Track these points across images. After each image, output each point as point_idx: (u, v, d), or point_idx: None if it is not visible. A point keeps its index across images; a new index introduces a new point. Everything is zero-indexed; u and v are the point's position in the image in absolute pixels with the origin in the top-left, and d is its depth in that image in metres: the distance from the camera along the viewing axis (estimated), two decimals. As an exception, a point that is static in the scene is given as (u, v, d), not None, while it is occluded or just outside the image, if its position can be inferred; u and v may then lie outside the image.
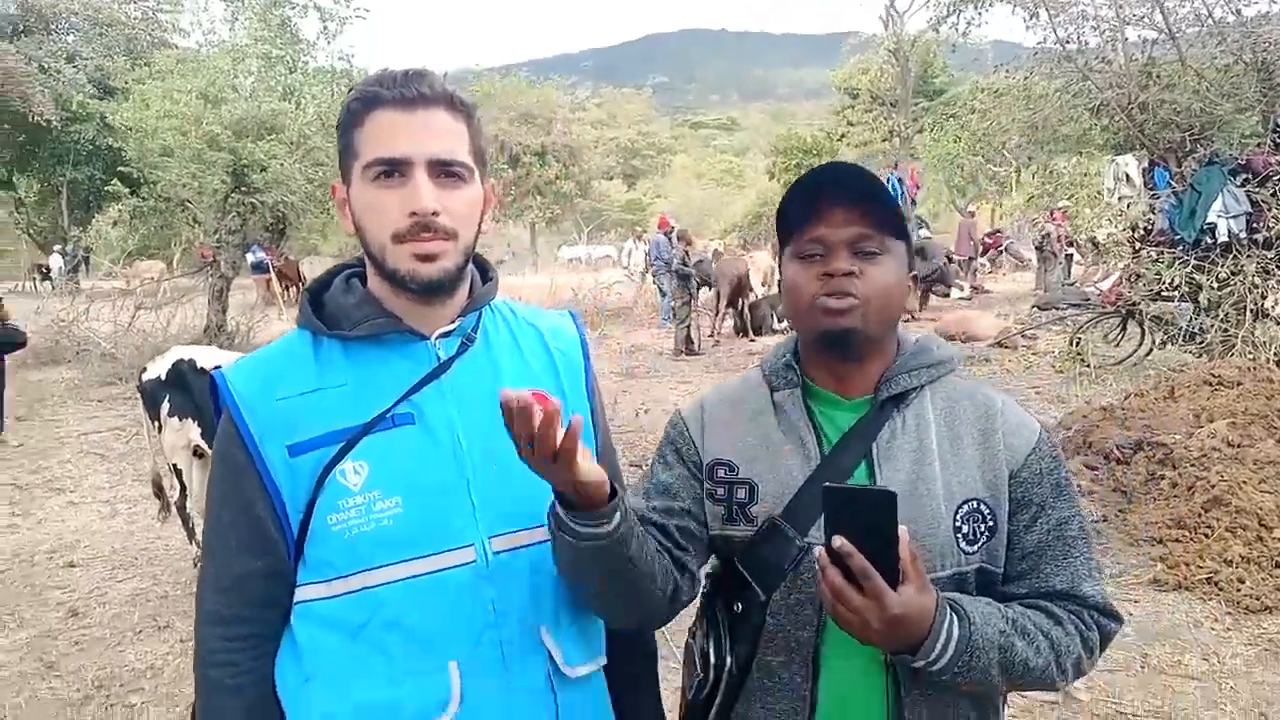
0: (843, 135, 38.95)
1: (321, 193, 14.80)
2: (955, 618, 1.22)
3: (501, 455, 1.39)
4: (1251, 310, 8.83)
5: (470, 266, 1.44)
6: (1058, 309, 14.35)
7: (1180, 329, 9.53)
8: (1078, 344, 10.63)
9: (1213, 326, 9.01)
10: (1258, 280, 8.85)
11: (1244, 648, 4.15)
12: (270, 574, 1.36)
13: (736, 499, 1.43)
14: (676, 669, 1.67)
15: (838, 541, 1.14)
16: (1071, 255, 19.85)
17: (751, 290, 15.85)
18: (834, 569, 1.15)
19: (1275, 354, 8.28)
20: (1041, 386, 9.81)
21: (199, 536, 5.46)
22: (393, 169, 1.30)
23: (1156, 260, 9.56)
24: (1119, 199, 10.37)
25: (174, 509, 5.47)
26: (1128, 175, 10.32)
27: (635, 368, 12.87)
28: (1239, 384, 6.93)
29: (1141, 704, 3.71)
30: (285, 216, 15.36)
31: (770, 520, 1.38)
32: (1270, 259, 8.90)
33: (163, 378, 5.32)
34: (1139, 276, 9.74)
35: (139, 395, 5.49)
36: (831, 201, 1.35)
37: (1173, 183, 9.84)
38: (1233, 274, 8.94)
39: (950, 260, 18.35)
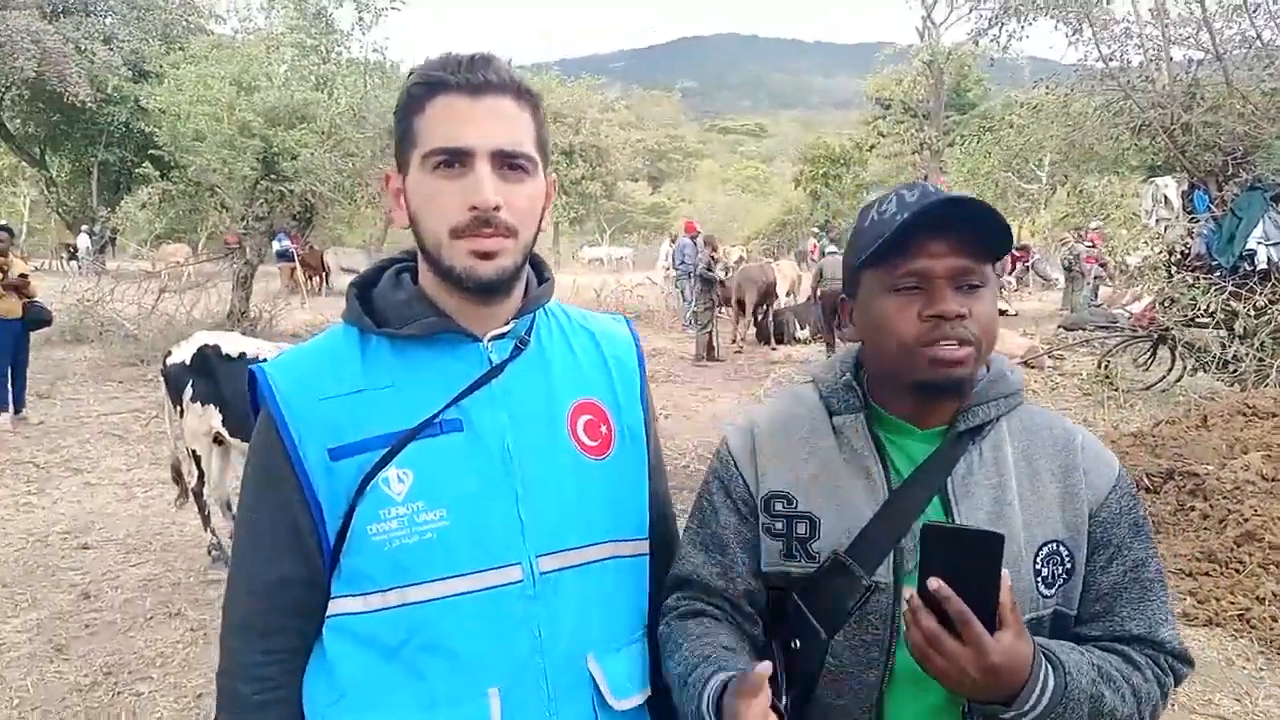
0: (873, 146, 38.80)
1: (350, 183, 14.85)
2: (1050, 667, 1.14)
3: (553, 466, 1.33)
4: (1288, 339, 8.66)
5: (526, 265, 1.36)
6: (1085, 330, 14.16)
7: (1213, 356, 9.34)
8: (1106, 367, 10.46)
9: (1247, 355, 8.83)
10: (1295, 309, 8.68)
11: (1278, 689, 4.02)
12: (306, 581, 1.28)
13: (796, 534, 1.33)
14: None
15: (934, 584, 1.07)
16: (1100, 276, 19.63)
17: (776, 298, 15.76)
18: (927, 613, 1.08)
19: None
20: (1068, 409, 9.65)
21: (214, 524, 5.43)
22: (454, 159, 1.22)
23: (1192, 285, 9.38)
24: (1156, 221, 10.20)
25: (192, 494, 5.44)
26: (1166, 197, 10.16)
27: (656, 372, 12.80)
28: (1274, 415, 6.78)
29: (1172, 744, 3.60)
30: (313, 205, 15.42)
31: (835, 557, 1.28)
32: (1310, 289, 8.72)
33: (187, 362, 5.29)
34: (1173, 301, 9.57)
35: (162, 379, 5.46)
36: (931, 229, 1.23)
37: (1212, 207, 9.67)
38: (1270, 302, 8.76)
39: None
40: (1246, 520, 5.25)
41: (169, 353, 5.51)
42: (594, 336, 1.49)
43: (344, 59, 15.99)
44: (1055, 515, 1.28)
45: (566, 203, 39.82)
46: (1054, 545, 1.27)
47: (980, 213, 1.22)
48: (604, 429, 1.40)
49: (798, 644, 1.32)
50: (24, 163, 32.01)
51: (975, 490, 1.27)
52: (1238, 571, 5.00)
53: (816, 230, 27.90)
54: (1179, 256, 10.05)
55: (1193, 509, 5.70)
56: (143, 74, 22.64)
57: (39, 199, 33.75)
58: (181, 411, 5.31)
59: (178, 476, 5.61)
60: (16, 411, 9.08)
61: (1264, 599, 4.74)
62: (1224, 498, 5.61)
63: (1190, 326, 9.64)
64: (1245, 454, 6.12)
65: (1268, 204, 9.02)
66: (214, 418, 5.20)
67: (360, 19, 15.97)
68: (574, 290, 18.83)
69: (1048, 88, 12.77)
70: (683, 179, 73.24)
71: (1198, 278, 9.48)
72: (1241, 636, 4.52)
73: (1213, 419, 6.97)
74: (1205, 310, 9.18)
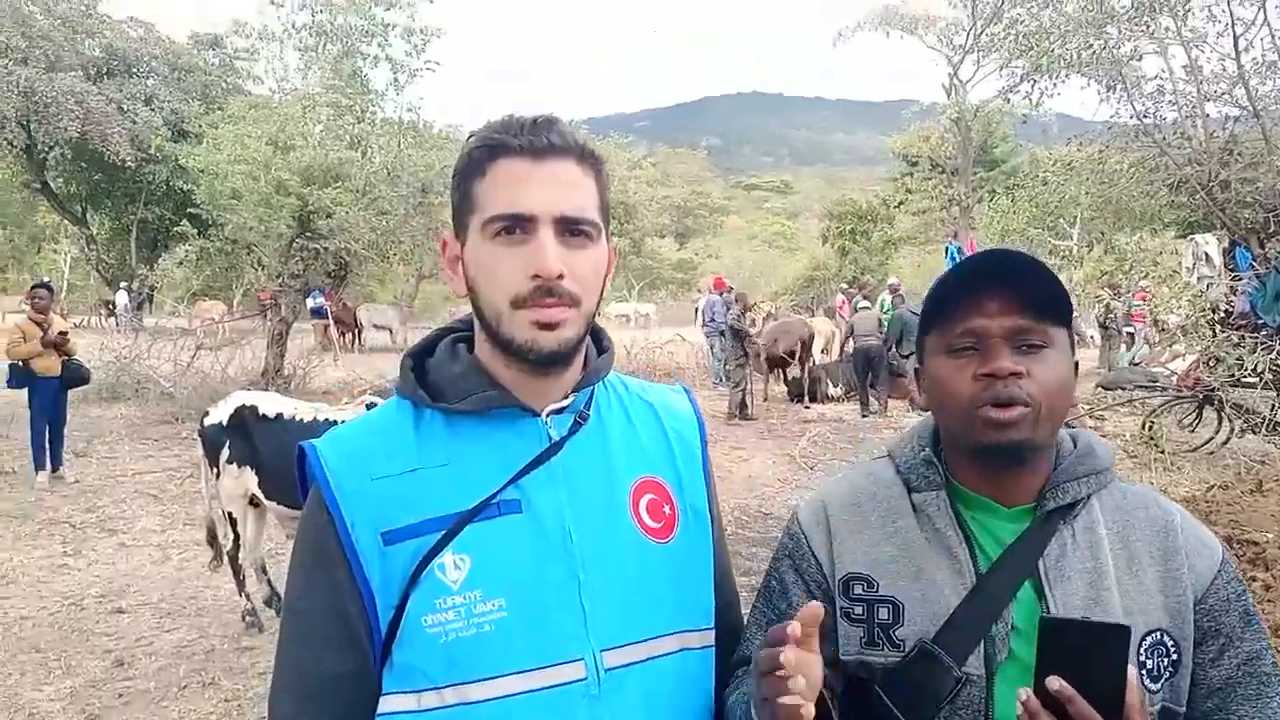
0: (900, 202, 38.90)
1: (383, 240, 15.01)
2: None
3: (615, 550, 1.24)
4: (1340, 400, 8.42)
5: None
6: (1124, 389, 13.91)
7: (1263, 417, 9.10)
8: (1151, 428, 10.22)
9: (1298, 416, 8.60)
10: (1346, 369, 8.46)
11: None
12: (357, 678, 1.18)
13: (878, 619, 1.25)
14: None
15: (1055, 684, 0.97)
16: (1134, 334, 19.37)
17: (811, 355, 15.64)
18: (1049, 715, 0.98)
19: (1366, 447, 7.86)
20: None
21: (249, 589, 5.36)
22: (516, 225, 1.16)
23: (1238, 344, 9.19)
24: (1198, 279, 10.05)
25: (226, 558, 5.38)
26: (1207, 255, 10.02)
27: (703, 414, 12.67)
28: (1331, 479, 6.57)
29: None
30: (347, 263, 15.58)
31: (923, 646, 1.20)
32: (1358, 347, 8.51)
33: (224, 423, 5.25)
34: (1219, 360, 9.36)
35: (199, 439, 5.43)
36: (987, 288, 1.19)
37: (1255, 264, 9.51)
38: (1319, 362, 8.55)
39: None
40: (1312, 591, 5.04)
41: (206, 413, 5.47)
42: (654, 409, 1.41)
43: (378, 119, 16.30)
44: (1157, 602, 1.19)
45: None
46: (1158, 635, 1.18)
47: (1030, 268, 1.18)
48: (667, 509, 1.32)
49: None
50: (66, 221, 32.77)
51: (1070, 574, 1.19)
52: (1306, 646, 4.79)
53: (845, 286, 27.87)
54: (1222, 315, 9.87)
55: (1254, 579, 5.48)
56: (182, 133, 23.23)
57: (79, 256, 34.45)
58: (218, 473, 5.27)
59: (213, 539, 5.55)
60: (54, 470, 9.13)
61: (1336, 676, 4.53)
62: (1287, 567, 5.40)
63: (1237, 386, 9.42)
64: (1305, 520, 5.92)
65: (1313, 261, 8.87)
66: (250, 480, 5.16)
67: (395, 80, 16.32)
68: (604, 347, 18.74)
69: (1080, 145, 12.74)
70: (709, 235, 73.75)
71: (1243, 336, 9.28)
72: (1317, 717, 4.30)
73: (1268, 484, 6.75)
74: (1252, 370, 8.96)
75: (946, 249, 21.57)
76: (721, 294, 16.45)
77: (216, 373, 14.01)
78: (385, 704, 1.18)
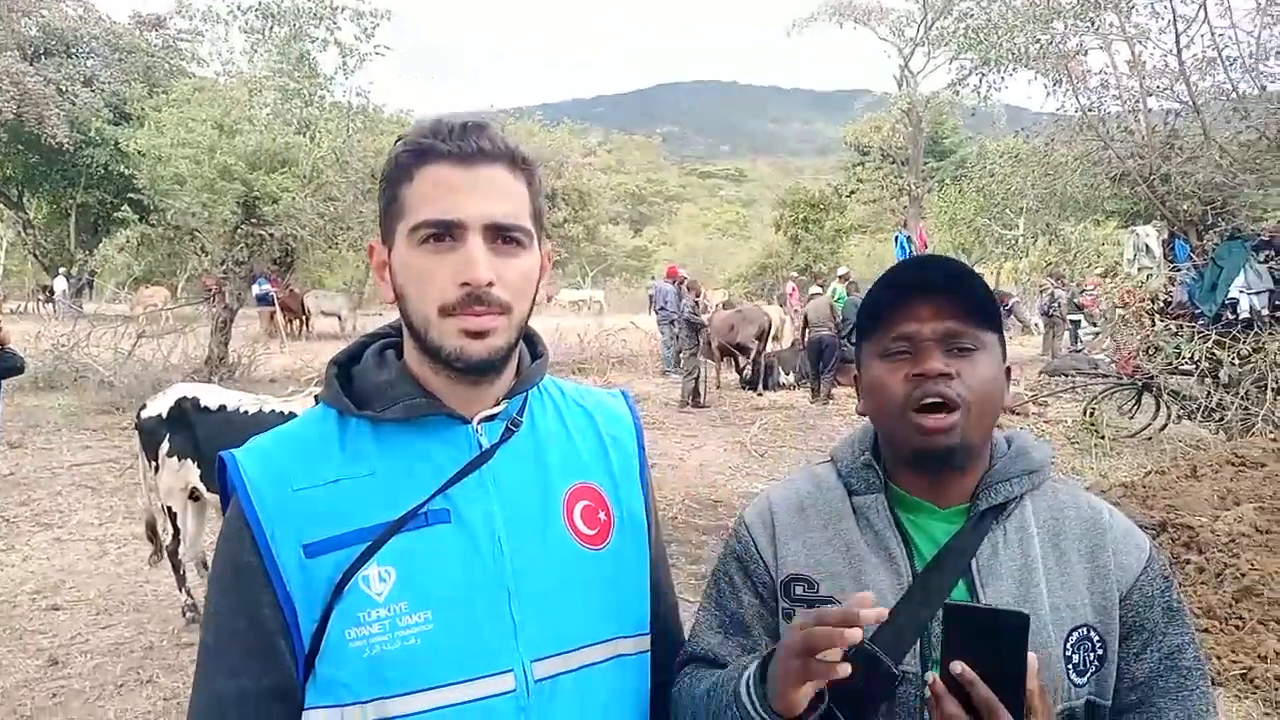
0: (852, 192, 39.26)
1: (331, 227, 14.78)
2: None
3: (547, 559, 1.23)
4: (1273, 388, 8.67)
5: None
6: (1067, 376, 14.20)
7: (1198, 404, 9.35)
8: (1092, 414, 10.45)
9: (1232, 404, 8.85)
10: (1279, 358, 8.71)
11: (1287, 753, 3.93)
12: (278, 694, 1.15)
13: None
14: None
15: (957, 668, 1.01)
16: (1079, 321, 19.78)
17: (767, 341, 15.73)
18: (951, 699, 1.02)
19: (1297, 434, 8.10)
20: (1054, 458, 9.62)
21: (189, 584, 5.25)
22: (444, 232, 1.14)
23: (1176, 333, 9.43)
24: (1139, 269, 10.28)
25: (166, 553, 5.27)
26: (1147, 246, 10.25)
27: (640, 418, 12.67)
28: (1263, 465, 6.77)
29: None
30: (293, 249, 15.32)
31: (860, 646, 1.20)
32: (1292, 337, 8.77)
33: (164, 415, 5.13)
34: (1157, 349, 9.60)
35: (137, 432, 5.30)
36: (917, 294, 1.23)
37: (1193, 256, 9.75)
38: (1254, 350, 8.80)
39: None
40: (1244, 575, 5.19)
41: (144, 405, 5.34)
42: (591, 415, 1.40)
43: (327, 103, 16.01)
44: (1084, 599, 1.23)
45: (549, 246, 39.91)
46: (1084, 630, 1.21)
47: (959, 275, 1.21)
48: (602, 515, 1.31)
49: None
50: (1, 204, 31.79)
51: (1001, 572, 1.22)
52: (1237, 628, 4.93)
53: (795, 275, 28.06)
54: (1161, 304, 10.11)
55: (1188, 562, 5.64)
56: (124, 116, 22.60)
57: (16, 241, 33.43)
58: (157, 467, 5.15)
59: (153, 534, 5.42)
60: (-14, 461, 8.87)
61: (1266, 657, 4.66)
62: (1219, 551, 5.55)
63: (1175, 374, 9.67)
64: (1237, 505, 6.09)
65: (1248, 253, 9.11)
66: (191, 473, 5.05)
67: (344, 64, 16.02)
68: (557, 334, 18.72)
69: (1027, 137, 12.94)
70: (663, 222, 73.76)
71: (1180, 326, 9.53)
72: (1246, 697, 4.44)
73: (1202, 469, 6.94)
74: (1189, 358, 9.21)
75: (896, 238, 21.82)
76: (674, 282, 16.47)
77: (159, 361, 13.68)
78: (308, 718, 1.16)
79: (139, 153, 15.01)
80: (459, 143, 1.15)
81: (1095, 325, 18.16)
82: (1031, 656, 1.02)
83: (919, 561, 1.25)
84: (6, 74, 21.77)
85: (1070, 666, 1.20)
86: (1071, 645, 1.20)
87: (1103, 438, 9.83)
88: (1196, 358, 9.17)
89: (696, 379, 14.13)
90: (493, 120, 1.22)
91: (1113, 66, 10.96)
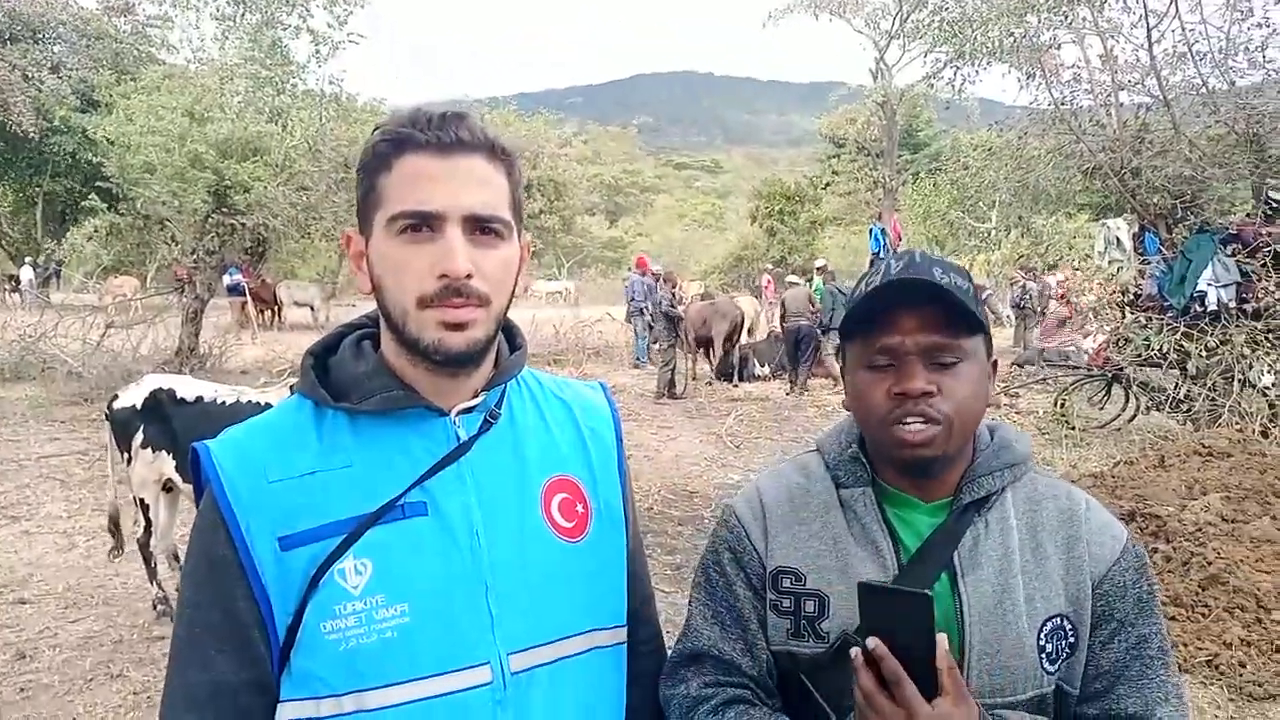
0: (827, 184, 39.38)
1: (304, 216, 14.62)
2: None
3: (524, 552, 1.23)
4: (1239, 380, 8.80)
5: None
6: (1035, 366, 14.35)
7: (1167, 395, 9.48)
8: (1062, 406, 10.57)
9: (1200, 395, 8.97)
10: (1246, 350, 8.84)
11: (1250, 738, 4.00)
12: (252, 687, 1.15)
13: (805, 612, 1.29)
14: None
15: (872, 643, 1.07)
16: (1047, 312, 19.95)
17: (740, 334, 15.76)
18: (867, 671, 1.07)
19: (1262, 425, 8.24)
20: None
21: (160, 577, 5.19)
22: (423, 223, 1.13)
23: (1145, 326, 9.54)
24: (1109, 262, 10.39)
25: (137, 545, 5.19)
26: (1118, 239, 10.36)
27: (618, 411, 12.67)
28: (1229, 455, 6.88)
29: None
30: (265, 239, 15.16)
31: (844, 637, 1.24)
32: (1259, 329, 8.90)
33: (138, 406, 5.06)
34: (1127, 341, 9.71)
35: (108, 423, 5.22)
36: (903, 305, 1.23)
37: (1163, 249, 9.87)
38: (1221, 343, 8.92)
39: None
40: (1210, 563, 5.27)
41: (116, 396, 5.27)
42: (569, 407, 1.40)
43: (299, 91, 15.83)
44: (1059, 589, 1.25)
45: (528, 238, 39.71)
46: (1058, 620, 1.24)
47: (943, 283, 1.20)
48: (580, 508, 1.31)
49: None
50: (-35, 193, 31.21)
51: (982, 563, 1.24)
52: (1204, 616, 5.01)
53: (770, 267, 28.11)
54: (1131, 297, 10.23)
55: (1155, 550, 5.72)
56: (92, 103, 22.23)
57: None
58: (129, 458, 5.08)
59: (115, 527, 5.32)
60: (-49, 454, 8.73)
61: (1231, 644, 4.74)
62: (1186, 540, 5.63)
63: (1144, 366, 9.79)
64: (1205, 494, 6.18)
65: (1216, 247, 9.23)
66: (166, 464, 4.98)
67: (317, 51, 15.85)
68: (533, 325, 18.67)
69: (1000, 130, 13.03)
70: (639, 214, 73.66)
71: (1150, 318, 9.64)
72: (1211, 684, 4.51)
73: (1170, 459, 7.04)
74: (1158, 350, 9.32)
75: (871, 230, 21.90)
76: (644, 274, 16.44)
77: (128, 352, 13.49)
78: (283, 711, 1.16)
79: (108, 140, 14.77)
80: (437, 132, 1.14)
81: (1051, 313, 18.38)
82: (941, 636, 1.05)
83: (904, 555, 1.27)
84: (-30, 59, 21.37)
85: (1043, 655, 1.22)
86: (1045, 635, 1.23)
87: (1073, 428, 9.96)
88: (1165, 349, 9.29)
89: (673, 370, 14.14)
90: (469, 110, 1.21)
91: (1085, 60, 11.07)
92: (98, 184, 15.91)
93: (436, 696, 1.14)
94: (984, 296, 19.60)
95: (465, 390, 1.24)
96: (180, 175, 13.31)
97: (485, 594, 1.18)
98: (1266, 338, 8.91)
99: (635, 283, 16.93)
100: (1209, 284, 9.15)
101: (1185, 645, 4.82)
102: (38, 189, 28.50)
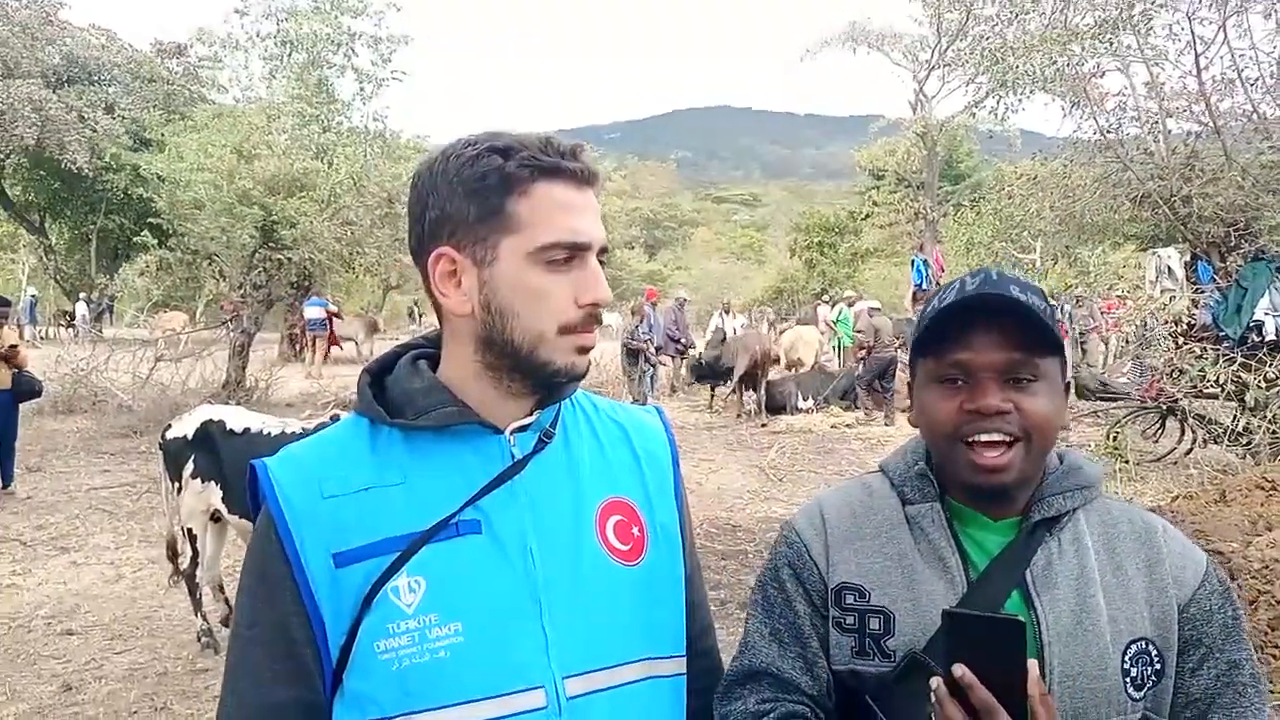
0: (867, 215, 39.20)
1: (349, 251, 14.86)
2: None
3: (580, 573, 1.19)
4: (1301, 412, 8.53)
5: None
6: (1088, 399, 14.04)
7: (1224, 428, 9.21)
8: (1115, 438, 10.31)
9: (1259, 427, 8.71)
10: (1308, 382, 8.58)
11: (1331, 787, 3.80)
12: (305, 707, 1.12)
13: (869, 630, 1.25)
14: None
15: (959, 670, 1.02)
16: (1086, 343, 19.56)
17: (768, 368, 15.28)
18: (953, 702, 1.02)
19: (1327, 459, 7.97)
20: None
21: (205, 608, 5.21)
22: (573, 254, 1.15)
23: (1200, 356, 9.30)
24: (1161, 291, 10.18)
25: (182, 577, 5.22)
26: (1169, 268, 10.15)
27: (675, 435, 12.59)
28: (1293, 490, 6.65)
29: None
30: (311, 274, 15.41)
31: (911, 656, 1.20)
32: (1321, 359, 8.64)
33: (189, 437, 5.11)
34: (1181, 372, 9.48)
35: (161, 453, 5.28)
36: (980, 321, 1.19)
37: (1216, 278, 9.65)
38: (1281, 374, 8.67)
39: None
40: (1279, 602, 5.07)
41: (169, 426, 5.32)
42: (624, 429, 1.37)
43: (344, 128, 16.16)
44: (1143, 611, 1.21)
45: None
46: (1142, 644, 1.20)
47: (1023, 300, 1.17)
48: (635, 531, 1.27)
49: None
50: (23, 230, 32.16)
51: (1058, 582, 1.20)
52: (1275, 657, 4.81)
53: (827, 299, 27.60)
54: (1185, 327, 10.00)
55: (1220, 588, 5.53)
56: (144, 142, 22.89)
57: (38, 266, 33.80)
58: (179, 488, 5.12)
59: (173, 555, 5.37)
60: (4, 486, 8.88)
61: (1304, 687, 4.54)
62: (1253, 577, 5.42)
63: (1199, 398, 9.54)
64: (1269, 530, 5.97)
65: (1273, 275, 9.01)
66: (214, 495, 5.01)
67: (361, 89, 16.19)
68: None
69: (1044, 160, 12.90)
70: (678, 247, 73.96)
71: (1205, 349, 9.40)
72: (1284, 728, 4.31)
73: (1231, 494, 6.83)
74: (1214, 381, 9.08)
75: (913, 262, 21.76)
76: (653, 305, 16.46)
77: (176, 385, 13.72)
78: None
79: (158, 178, 15.17)
80: (580, 165, 1.17)
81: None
82: (1031, 663, 1.02)
83: (973, 573, 1.23)
84: (29, 101, 22.14)
85: (1128, 679, 1.17)
86: (1130, 658, 1.18)
87: (1127, 462, 9.69)
88: (1222, 380, 9.04)
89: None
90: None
91: (1131, 88, 10.93)
92: (149, 220, 16.35)
93: None
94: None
95: (521, 409, 1.22)
96: (228, 211, 13.63)
97: (540, 615, 1.15)
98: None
99: (650, 316, 16.97)
100: (1266, 313, 8.93)
101: (1255, 687, 4.62)
102: (92, 226, 29.32)
